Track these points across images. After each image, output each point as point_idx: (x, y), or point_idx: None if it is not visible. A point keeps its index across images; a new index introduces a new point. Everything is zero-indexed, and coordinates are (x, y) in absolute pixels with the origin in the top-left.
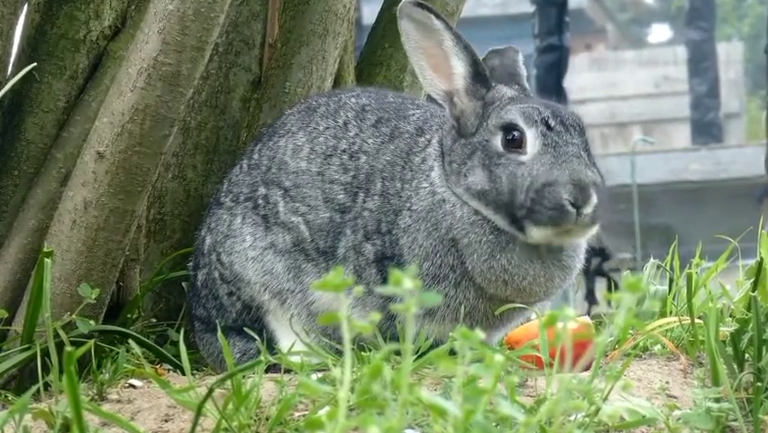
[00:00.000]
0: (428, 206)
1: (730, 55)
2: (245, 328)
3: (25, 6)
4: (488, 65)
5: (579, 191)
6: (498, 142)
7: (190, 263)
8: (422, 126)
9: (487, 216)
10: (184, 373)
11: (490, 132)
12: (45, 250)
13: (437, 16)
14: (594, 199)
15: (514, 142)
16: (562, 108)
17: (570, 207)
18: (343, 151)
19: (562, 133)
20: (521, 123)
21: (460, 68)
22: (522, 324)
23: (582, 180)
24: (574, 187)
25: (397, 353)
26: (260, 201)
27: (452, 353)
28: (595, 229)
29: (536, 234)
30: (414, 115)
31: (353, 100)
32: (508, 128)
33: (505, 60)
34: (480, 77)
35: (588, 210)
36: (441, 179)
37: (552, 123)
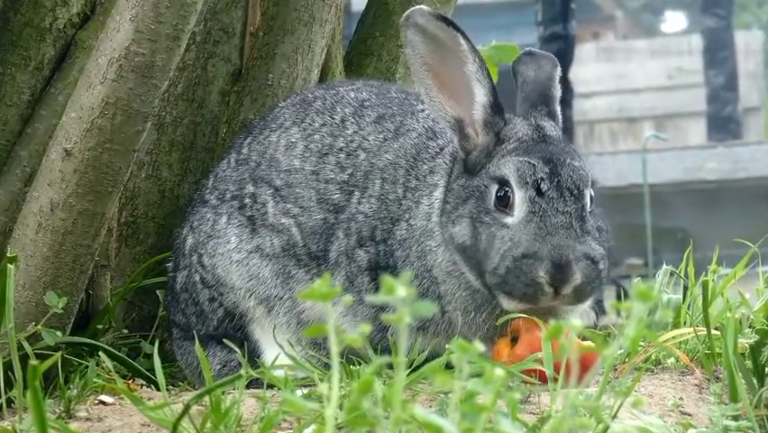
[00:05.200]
0: (422, 228)
1: (749, 45)
2: (225, 340)
3: None
4: (520, 73)
5: (558, 270)
6: (492, 194)
7: (169, 264)
8: (433, 127)
9: (463, 271)
10: (158, 389)
11: (489, 179)
12: (8, 255)
13: (464, 36)
14: (577, 278)
15: (502, 200)
16: (566, 164)
17: (546, 287)
18: (340, 149)
19: (554, 200)
20: (512, 181)
21: (481, 96)
22: None
23: (564, 258)
24: (554, 265)
25: (390, 366)
26: (248, 200)
27: (449, 366)
28: (582, 306)
29: (508, 305)
30: (423, 110)
31: (352, 95)
32: (501, 183)
33: (540, 75)
34: (497, 107)
35: (567, 290)
36: (439, 206)
37: (544, 187)
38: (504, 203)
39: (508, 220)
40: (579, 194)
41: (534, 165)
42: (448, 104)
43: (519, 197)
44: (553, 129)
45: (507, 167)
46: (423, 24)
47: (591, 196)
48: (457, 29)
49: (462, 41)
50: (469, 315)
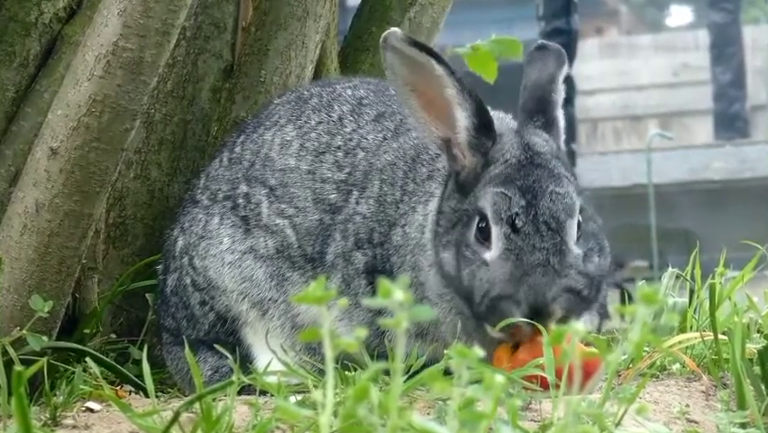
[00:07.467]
0: (415, 240)
1: (757, 40)
2: (216, 345)
3: None
4: (525, 74)
5: (534, 312)
6: (473, 226)
7: (159, 267)
8: None
9: (453, 296)
10: (147, 395)
11: (472, 209)
12: None
13: (439, 61)
14: (557, 314)
15: (483, 232)
16: (546, 194)
17: (524, 327)
18: (338, 147)
19: (530, 236)
20: (489, 215)
21: (464, 120)
22: None
23: (540, 299)
24: (530, 308)
25: (387, 372)
26: (241, 200)
27: (448, 372)
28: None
29: (495, 335)
30: None
31: (350, 92)
32: (481, 216)
33: (542, 77)
34: (485, 127)
35: (548, 325)
36: (432, 221)
37: (519, 223)
38: (484, 236)
39: (487, 256)
40: (558, 226)
41: (509, 198)
42: (434, 124)
43: (495, 233)
44: (544, 145)
45: (486, 199)
46: (399, 48)
47: (579, 222)
48: (431, 54)
49: (437, 66)
50: (461, 340)
